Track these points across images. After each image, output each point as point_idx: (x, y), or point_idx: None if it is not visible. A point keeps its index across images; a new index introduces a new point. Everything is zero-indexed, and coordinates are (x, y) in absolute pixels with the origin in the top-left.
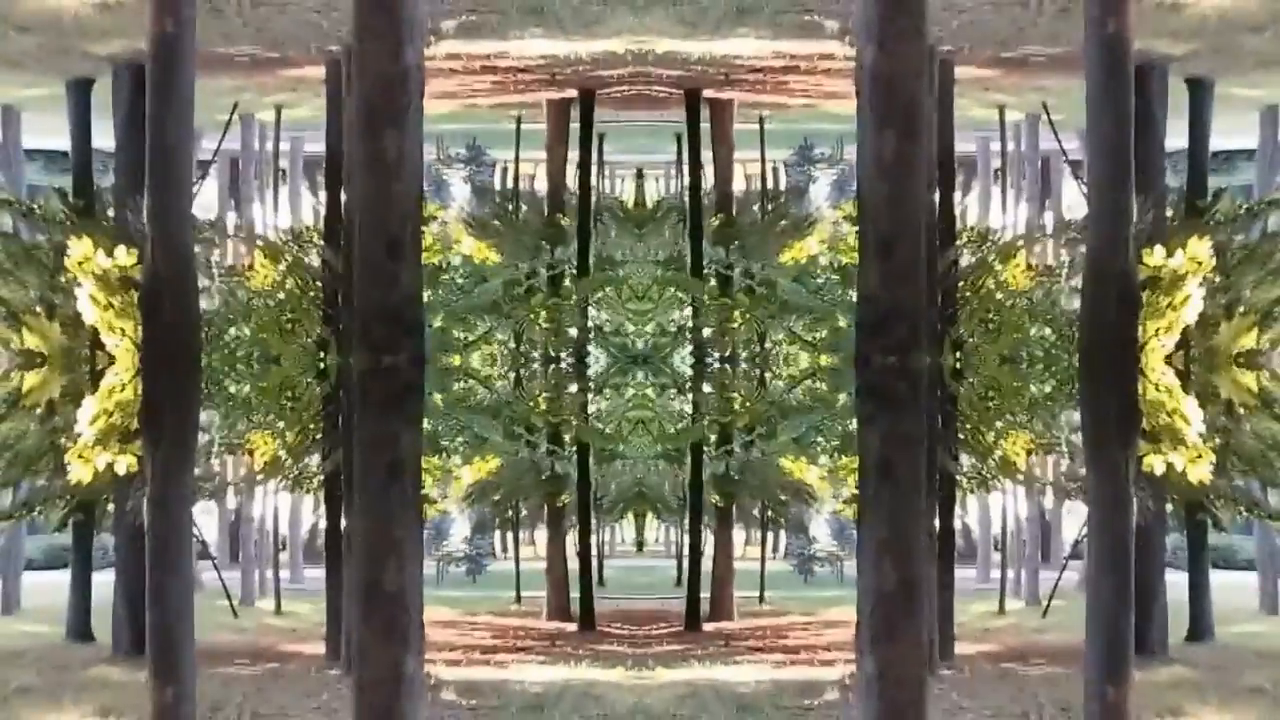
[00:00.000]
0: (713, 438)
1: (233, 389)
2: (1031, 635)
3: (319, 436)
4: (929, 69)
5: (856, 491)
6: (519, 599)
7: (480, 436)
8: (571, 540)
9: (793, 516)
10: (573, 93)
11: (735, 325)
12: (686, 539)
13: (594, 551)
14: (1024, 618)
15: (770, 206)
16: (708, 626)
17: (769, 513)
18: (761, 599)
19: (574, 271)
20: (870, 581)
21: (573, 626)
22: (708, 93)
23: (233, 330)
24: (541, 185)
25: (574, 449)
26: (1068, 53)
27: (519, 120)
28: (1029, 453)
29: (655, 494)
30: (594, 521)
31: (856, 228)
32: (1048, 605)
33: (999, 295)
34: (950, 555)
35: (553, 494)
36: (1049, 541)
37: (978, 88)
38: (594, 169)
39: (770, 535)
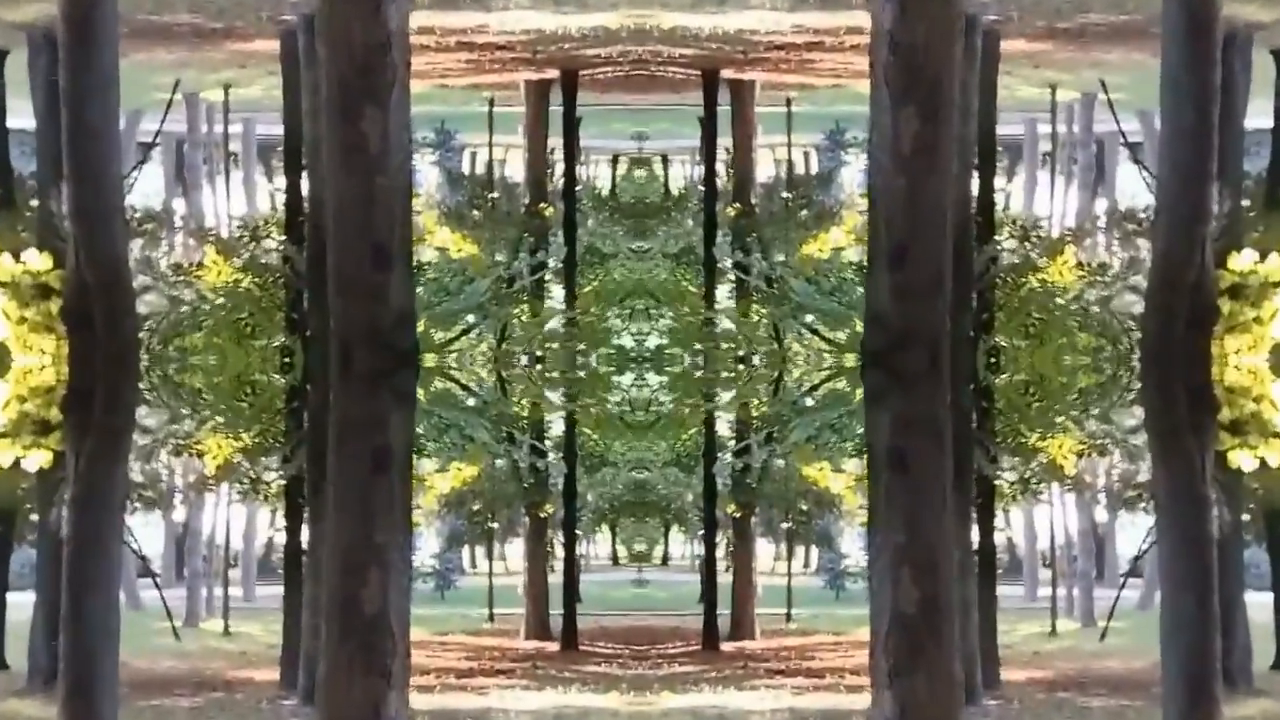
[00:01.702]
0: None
1: (179, 379)
2: (1089, 660)
3: (281, 437)
4: (965, 38)
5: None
6: (492, 617)
7: (468, 436)
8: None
9: (819, 528)
10: (554, 73)
11: (752, 321)
12: (701, 550)
13: (579, 565)
14: (1080, 640)
15: (790, 195)
16: (727, 646)
17: (789, 524)
18: (789, 617)
19: (561, 265)
20: (886, 600)
21: (554, 646)
22: (726, 73)
23: (178, 341)
24: (512, 172)
25: (561, 455)
26: (1133, 21)
27: (491, 102)
28: (1079, 455)
29: (657, 501)
30: (579, 533)
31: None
32: (1106, 626)
33: (1044, 296)
34: (991, 568)
35: (535, 504)
36: (1103, 555)
37: (1027, 64)
38: (578, 155)
39: (799, 548)
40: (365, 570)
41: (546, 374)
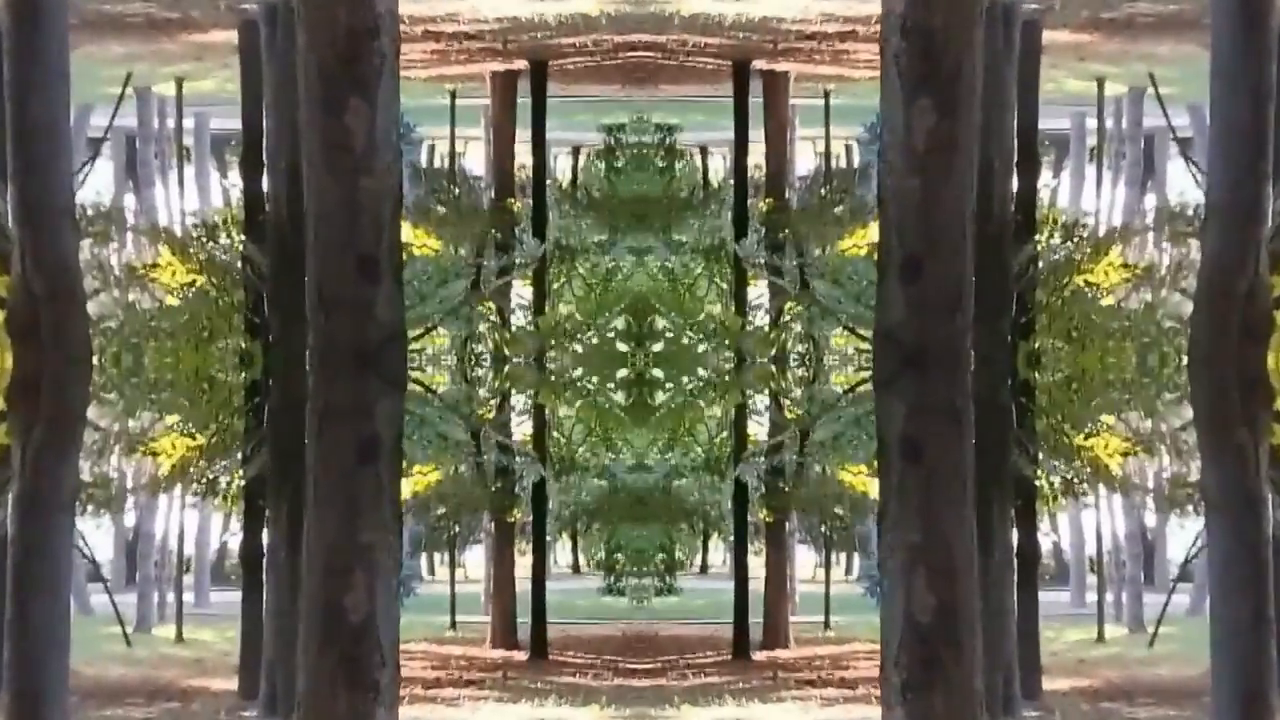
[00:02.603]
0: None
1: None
2: (1137, 668)
3: (240, 436)
4: (1004, 28)
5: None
6: (454, 624)
7: (441, 435)
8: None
9: (858, 534)
10: (523, 64)
11: (787, 319)
12: (731, 558)
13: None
14: (1127, 647)
15: (826, 189)
16: (758, 655)
17: (825, 530)
18: (826, 625)
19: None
20: (897, 607)
21: (522, 655)
22: (758, 64)
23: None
24: (470, 164)
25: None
26: (1182, 11)
27: (453, 95)
28: (1125, 455)
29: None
30: (548, 538)
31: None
32: (1155, 633)
33: (1087, 301)
34: (1032, 572)
35: (503, 509)
36: (1152, 558)
37: (1072, 56)
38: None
39: (839, 555)
40: (350, 573)
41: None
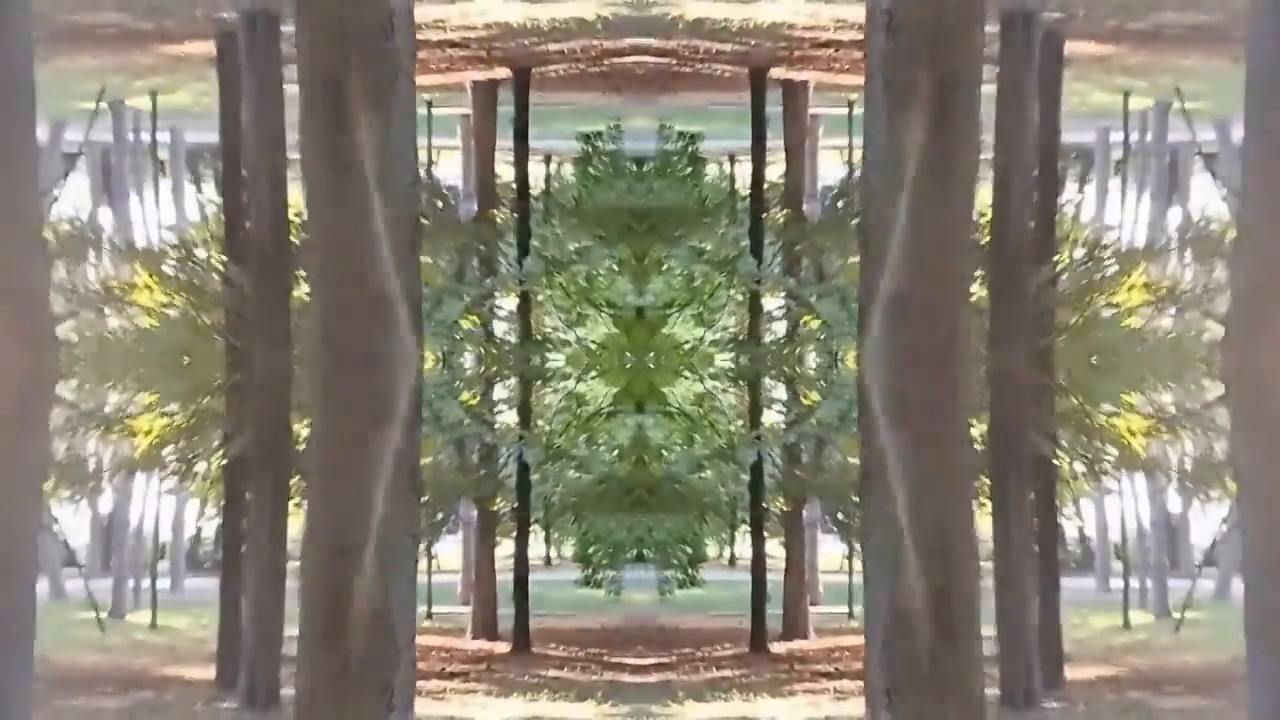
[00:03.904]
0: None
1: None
2: (1164, 655)
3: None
4: (1025, 32)
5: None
6: (430, 614)
7: (435, 414)
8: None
9: None
10: (505, 72)
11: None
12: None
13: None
14: (1154, 633)
15: (841, 202)
16: (777, 647)
17: (845, 518)
18: (850, 614)
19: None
20: (882, 593)
21: (504, 647)
22: (776, 72)
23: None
24: (446, 175)
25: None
26: (1212, 22)
27: (430, 105)
28: (1147, 434)
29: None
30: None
31: None
32: (1181, 618)
33: (1111, 325)
34: (1052, 557)
35: (488, 498)
36: (1177, 541)
37: (1097, 68)
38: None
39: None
40: (360, 551)
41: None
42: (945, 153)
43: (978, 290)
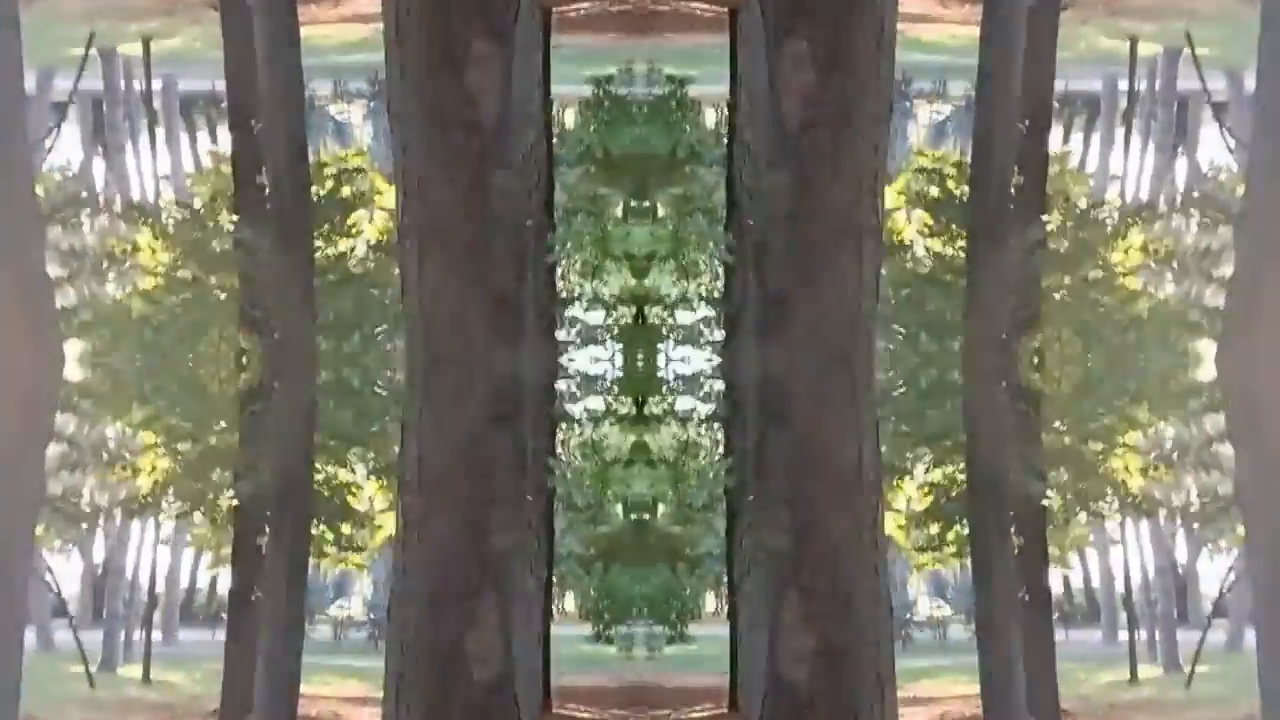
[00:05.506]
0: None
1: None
2: (1175, 712)
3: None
4: None
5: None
6: None
7: None
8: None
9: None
10: None
11: None
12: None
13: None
14: (1163, 688)
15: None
16: None
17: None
18: None
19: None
20: (756, 652)
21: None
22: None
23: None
24: None
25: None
26: None
27: None
28: (1144, 471)
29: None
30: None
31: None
32: (1191, 672)
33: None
34: (1045, 607)
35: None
36: (1185, 590)
37: (1103, 10)
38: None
39: None
40: (474, 600)
41: None
42: (840, 96)
43: (953, 251)
